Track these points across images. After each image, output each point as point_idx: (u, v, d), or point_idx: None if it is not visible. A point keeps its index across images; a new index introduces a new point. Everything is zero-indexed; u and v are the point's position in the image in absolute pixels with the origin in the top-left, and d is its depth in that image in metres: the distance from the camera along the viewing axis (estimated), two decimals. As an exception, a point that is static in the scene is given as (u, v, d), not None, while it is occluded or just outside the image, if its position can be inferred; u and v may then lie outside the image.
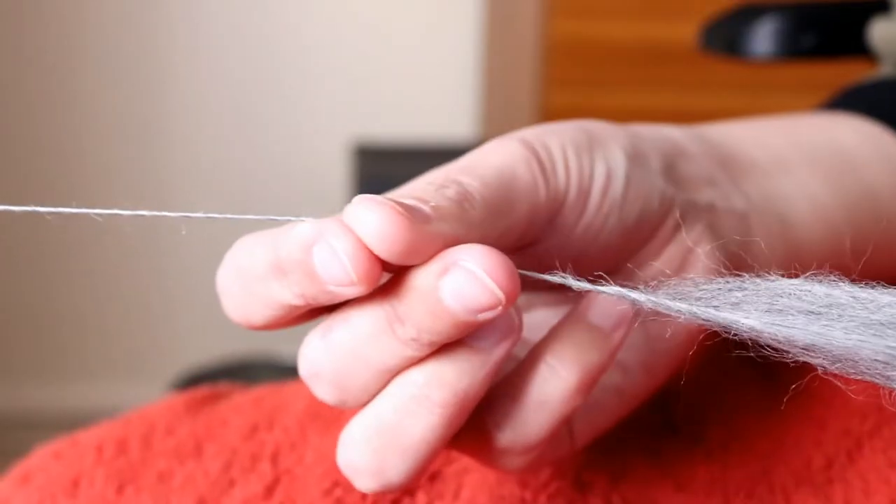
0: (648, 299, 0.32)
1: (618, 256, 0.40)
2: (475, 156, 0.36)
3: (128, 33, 1.82)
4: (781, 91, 1.47)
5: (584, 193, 0.37)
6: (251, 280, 0.33)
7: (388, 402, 0.33)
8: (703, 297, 0.32)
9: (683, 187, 0.42)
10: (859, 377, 0.31)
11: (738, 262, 0.42)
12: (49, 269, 1.87)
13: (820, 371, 0.31)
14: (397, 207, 0.31)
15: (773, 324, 0.31)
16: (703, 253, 0.40)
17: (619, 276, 0.40)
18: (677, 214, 0.40)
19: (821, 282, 0.31)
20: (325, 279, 0.31)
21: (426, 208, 0.32)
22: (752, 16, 0.86)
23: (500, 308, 0.31)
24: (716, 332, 0.32)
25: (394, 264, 0.32)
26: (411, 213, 0.31)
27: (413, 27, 1.86)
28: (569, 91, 1.49)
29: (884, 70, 0.65)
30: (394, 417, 0.33)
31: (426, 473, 0.42)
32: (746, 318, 0.31)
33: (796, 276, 0.31)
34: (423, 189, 0.33)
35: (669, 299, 0.32)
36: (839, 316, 0.30)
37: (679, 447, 0.43)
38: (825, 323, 0.30)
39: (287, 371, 1.49)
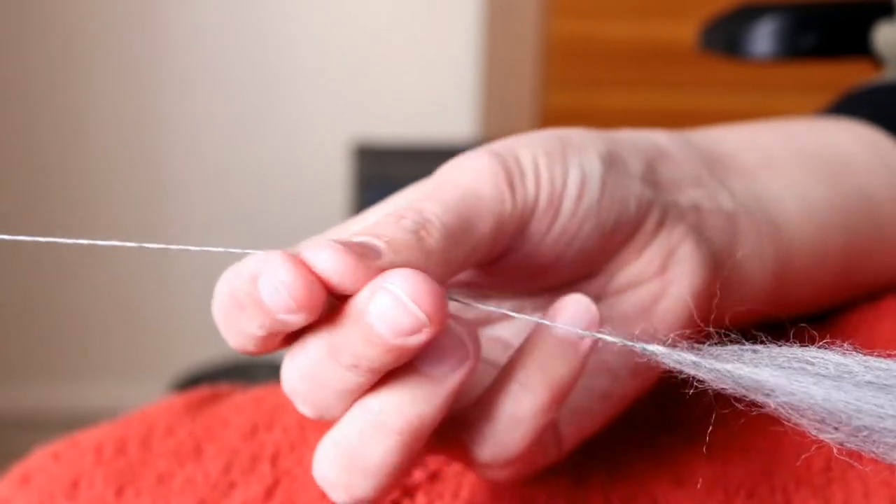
0: (691, 361, 0.32)
1: (595, 259, 0.40)
2: (443, 174, 0.37)
3: (127, 33, 1.82)
4: (781, 91, 1.47)
5: (556, 201, 0.38)
6: (227, 312, 0.34)
7: (350, 425, 0.34)
8: (721, 356, 0.32)
9: (665, 189, 0.42)
10: (877, 454, 0.31)
11: (723, 261, 0.42)
12: (49, 269, 1.87)
13: (836, 450, 0.31)
14: (342, 247, 0.32)
15: (792, 381, 0.31)
16: (686, 253, 0.41)
17: (596, 279, 0.41)
18: (657, 216, 0.40)
19: (834, 350, 0.31)
20: (272, 308, 0.32)
21: (379, 243, 0.33)
22: (752, 16, 0.86)
23: (425, 331, 0.31)
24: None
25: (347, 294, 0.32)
26: (361, 249, 0.32)
27: (413, 27, 1.86)
28: (569, 91, 1.49)
29: (888, 74, 0.64)
30: (356, 441, 0.34)
31: (426, 473, 0.43)
32: (770, 374, 0.31)
33: (809, 344, 0.32)
34: (383, 222, 0.34)
35: (692, 355, 0.32)
36: (855, 383, 0.30)
37: (679, 444, 0.43)
38: (843, 386, 0.30)
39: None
